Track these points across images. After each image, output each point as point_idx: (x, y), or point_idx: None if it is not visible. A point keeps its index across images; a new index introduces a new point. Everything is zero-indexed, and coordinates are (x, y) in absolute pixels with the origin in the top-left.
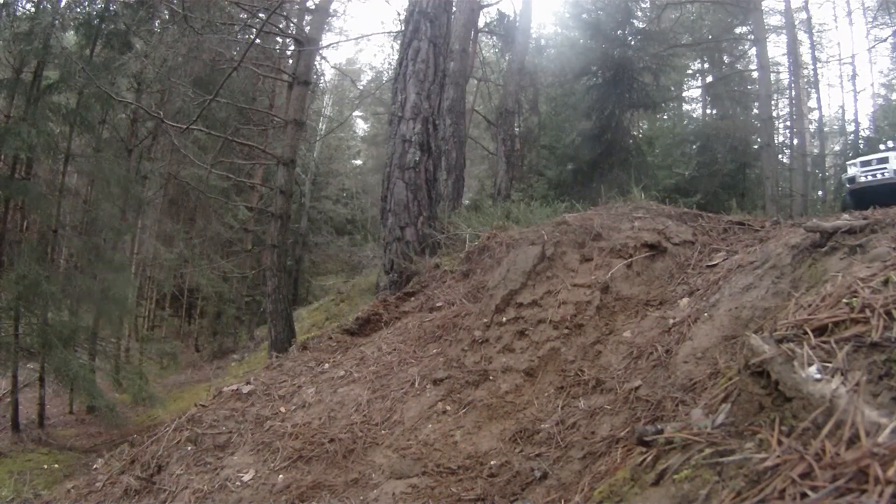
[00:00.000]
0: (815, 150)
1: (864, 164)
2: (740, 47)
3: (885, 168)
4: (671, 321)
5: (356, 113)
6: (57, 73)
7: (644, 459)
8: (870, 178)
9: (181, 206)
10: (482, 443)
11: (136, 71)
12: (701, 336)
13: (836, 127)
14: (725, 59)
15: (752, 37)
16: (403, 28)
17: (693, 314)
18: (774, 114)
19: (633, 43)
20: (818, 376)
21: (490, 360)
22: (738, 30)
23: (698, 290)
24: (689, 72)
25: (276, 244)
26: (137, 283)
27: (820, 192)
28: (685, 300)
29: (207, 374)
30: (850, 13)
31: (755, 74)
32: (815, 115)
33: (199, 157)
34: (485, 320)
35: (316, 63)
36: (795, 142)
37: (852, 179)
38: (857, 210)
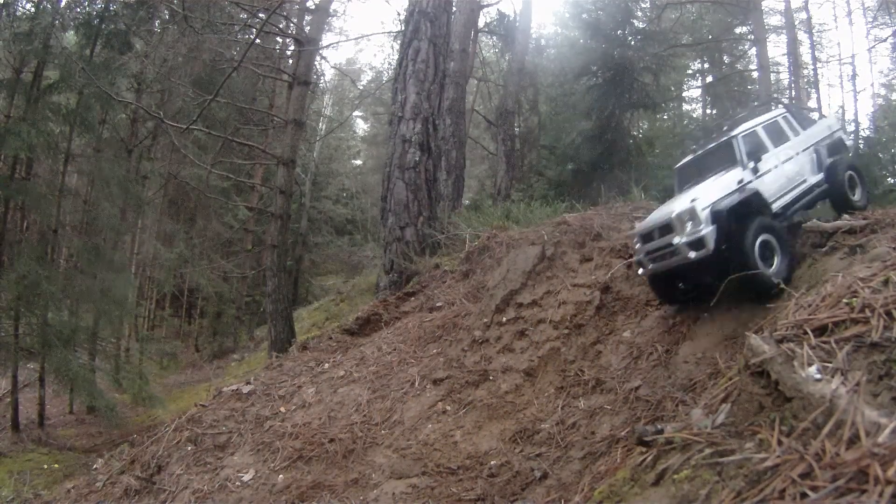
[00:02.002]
0: None
1: (644, 238)
2: (740, 47)
3: (672, 242)
4: (671, 321)
5: (356, 113)
6: (57, 73)
7: (644, 459)
8: (657, 261)
9: (181, 206)
10: (482, 443)
11: (136, 71)
12: (701, 336)
13: None
14: (725, 59)
15: (752, 37)
16: (403, 28)
17: (693, 314)
18: None
19: (633, 43)
20: (818, 376)
21: (490, 360)
22: (738, 30)
23: None
24: (689, 72)
25: (276, 244)
26: (137, 283)
27: None
28: None
29: (207, 374)
30: (850, 13)
31: (755, 74)
32: (815, 116)
33: (199, 157)
34: (485, 320)
35: (316, 63)
36: None
37: (640, 263)
38: (666, 299)
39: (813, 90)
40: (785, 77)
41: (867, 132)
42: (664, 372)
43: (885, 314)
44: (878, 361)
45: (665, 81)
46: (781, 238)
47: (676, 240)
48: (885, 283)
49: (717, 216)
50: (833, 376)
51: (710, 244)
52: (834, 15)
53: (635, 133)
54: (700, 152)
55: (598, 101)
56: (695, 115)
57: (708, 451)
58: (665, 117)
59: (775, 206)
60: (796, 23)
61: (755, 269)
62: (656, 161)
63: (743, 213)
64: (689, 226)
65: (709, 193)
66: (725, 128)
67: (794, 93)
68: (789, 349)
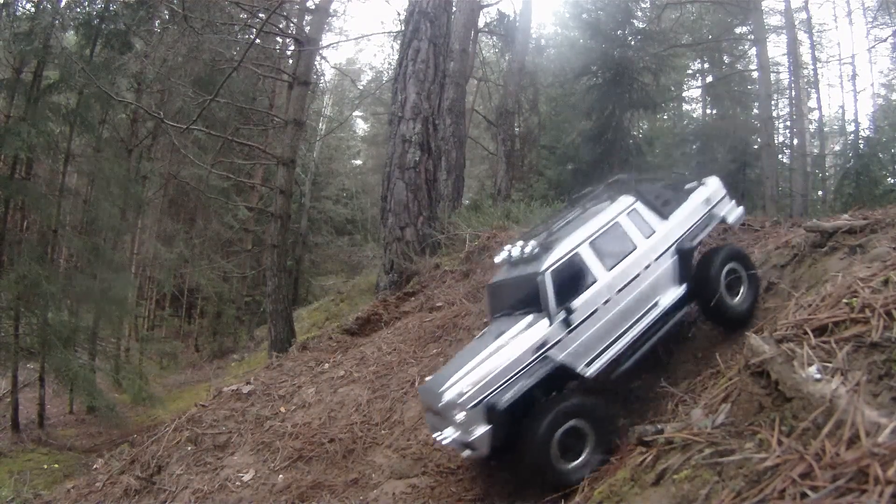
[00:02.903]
0: (815, 150)
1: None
2: (740, 47)
3: (447, 435)
4: None
5: (356, 113)
6: (57, 73)
7: (644, 459)
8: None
9: (181, 206)
10: None
11: (136, 71)
12: (701, 336)
13: (836, 127)
14: (725, 59)
15: (752, 37)
16: (403, 28)
17: (693, 314)
18: (774, 114)
19: (633, 43)
20: (818, 376)
21: None
22: (738, 30)
23: None
24: (689, 72)
25: (276, 244)
26: (137, 283)
27: (820, 192)
28: None
29: (207, 374)
30: (850, 13)
31: (755, 74)
32: (815, 115)
33: (199, 157)
34: (485, 320)
35: (316, 63)
36: (795, 142)
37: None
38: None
39: (813, 90)
40: (785, 77)
41: (867, 132)
42: (664, 372)
43: (885, 314)
44: (878, 361)
45: (665, 81)
46: (597, 419)
47: (448, 432)
48: (885, 283)
49: (491, 414)
50: (833, 376)
51: (484, 448)
52: (834, 15)
53: (635, 133)
54: (510, 276)
55: (598, 101)
56: (695, 115)
57: (708, 451)
58: (665, 117)
59: (597, 365)
60: (796, 23)
61: (552, 468)
62: (656, 161)
63: (535, 400)
64: (458, 419)
65: (489, 371)
66: (536, 249)
67: (794, 93)
68: (789, 349)
